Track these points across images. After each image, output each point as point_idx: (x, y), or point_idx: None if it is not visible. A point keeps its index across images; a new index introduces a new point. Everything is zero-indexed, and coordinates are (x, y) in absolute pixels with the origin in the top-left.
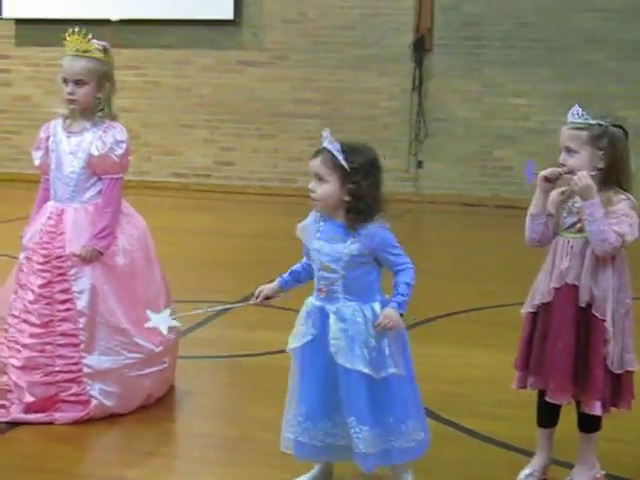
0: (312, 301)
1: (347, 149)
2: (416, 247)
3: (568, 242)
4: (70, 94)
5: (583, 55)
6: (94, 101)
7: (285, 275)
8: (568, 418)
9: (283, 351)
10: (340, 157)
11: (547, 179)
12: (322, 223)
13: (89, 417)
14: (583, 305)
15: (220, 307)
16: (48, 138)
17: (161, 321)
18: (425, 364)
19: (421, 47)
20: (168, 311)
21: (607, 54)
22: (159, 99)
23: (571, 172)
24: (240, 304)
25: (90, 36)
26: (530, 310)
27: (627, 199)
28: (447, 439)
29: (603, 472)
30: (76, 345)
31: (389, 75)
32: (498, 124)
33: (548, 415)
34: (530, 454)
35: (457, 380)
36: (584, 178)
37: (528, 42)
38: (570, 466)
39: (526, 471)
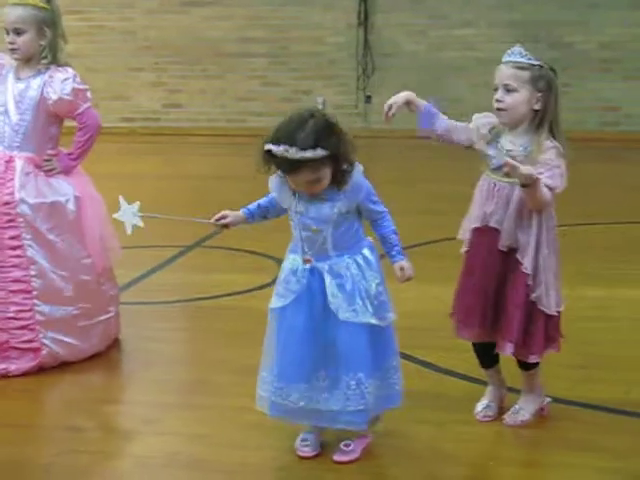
0: (297, 259)
1: (316, 142)
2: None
3: (495, 185)
4: (10, 43)
5: None
6: (37, 49)
7: (252, 207)
8: None
9: (240, 293)
10: (320, 154)
11: None
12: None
13: (40, 365)
14: (504, 249)
15: (180, 218)
16: None
17: (128, 217)
18: None
19: None
20: (137, 206)
21: None
22: (104, 43)
23: (505, 109)
24: (200, 220)
25: None
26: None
27: (555, 147)
28: (404, 372)
29: (550, 399)
30: (28, 292)
31: (334, 10)
32: (445, 56)
33: (485, 356)
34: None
35: (410, 313)
36: (527, 172)
37: None
38: None
39: (483, 402)
